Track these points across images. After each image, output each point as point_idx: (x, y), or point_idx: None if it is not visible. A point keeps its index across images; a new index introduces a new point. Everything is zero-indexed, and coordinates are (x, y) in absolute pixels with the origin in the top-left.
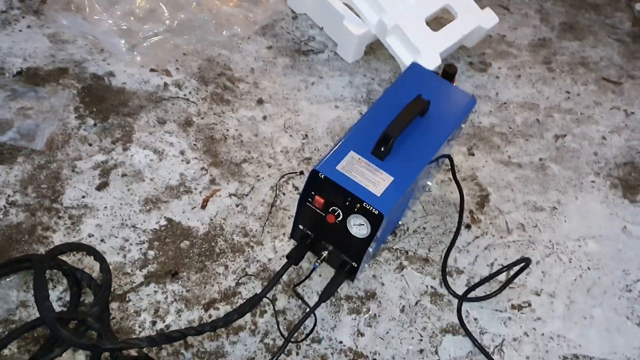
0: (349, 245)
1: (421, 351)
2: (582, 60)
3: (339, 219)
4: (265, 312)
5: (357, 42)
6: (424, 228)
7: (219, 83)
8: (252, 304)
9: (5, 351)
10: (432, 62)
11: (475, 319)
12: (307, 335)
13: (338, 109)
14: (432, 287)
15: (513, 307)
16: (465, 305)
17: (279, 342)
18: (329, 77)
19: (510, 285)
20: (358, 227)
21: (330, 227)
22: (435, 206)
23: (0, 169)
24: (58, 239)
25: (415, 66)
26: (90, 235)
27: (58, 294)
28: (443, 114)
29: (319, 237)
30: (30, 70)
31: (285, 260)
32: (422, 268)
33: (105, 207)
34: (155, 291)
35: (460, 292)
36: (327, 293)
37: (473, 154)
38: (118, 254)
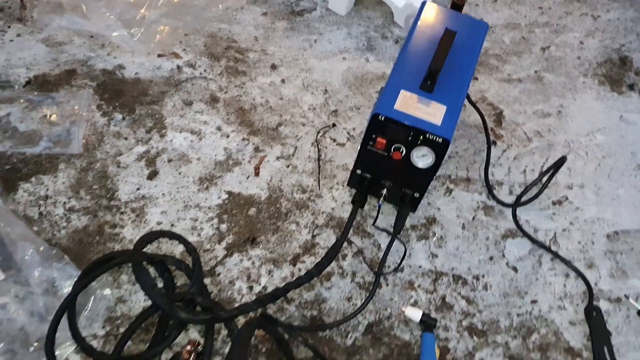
0: (414, 178)
1: (491, 258)
2: None
3: (403, 154)
4: (346, 255)
5: None
6: (457, 152)
7: (229, 56)
8: (336, 249)
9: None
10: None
11: (527, 221)
12: (397, 266)
13: (346, 60)
14: (481, 202)
15: (554, 203)
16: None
17: (368, 279)
18: (328, 32)
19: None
20: (421, 158)
21: (393, 165)
22: (460, 131)
23: (47, 180)
24: (128, 233)
25: (426, 4)
26: (159, 223)
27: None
28: (466, 42)
29: (378, 178)
30: (38, 78)
31: (350, 206)
32: (467, 187)
33: (163, 194)
34: (241, 260)
35: (506, 200)
36: (399, 226)
37: (477, 78)
38: (192, 234)
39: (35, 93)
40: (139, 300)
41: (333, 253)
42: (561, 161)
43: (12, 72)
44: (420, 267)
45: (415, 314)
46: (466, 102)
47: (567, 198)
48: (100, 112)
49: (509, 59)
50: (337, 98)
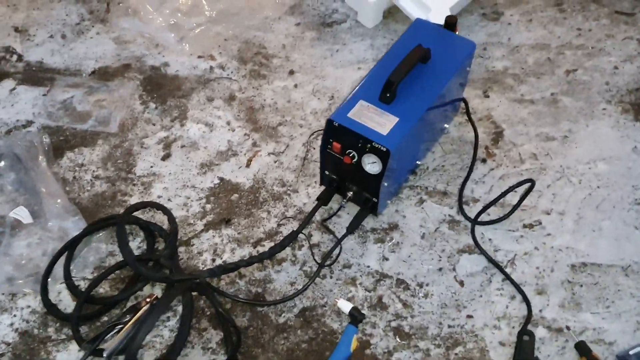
0: (367, 182)
1: (440, 269)
2: None
3: (355, 160)
4: (303, 246)
5: (373, 7)
6: (443, 166)
7: (256, 61)
8: (291, 238)
9: (100, 290)
10: (443, 17)
11: (490, 239)
12: (335, 259)
13: (360, 70)
14: (449, 215)
15: (525, 226)
16: (481, 229)
17: (315, 269)
18: (352, 43)
19: (522, 208)
20: (371, 165)
21: (348, 169)
22: (453, 146)
23: (86, 151)
24: (133, 200)
25: (418, 21)
26: (159, 197)
27: (137, 244)
28: (444, 60)
29: (343, 180)
30: (102, 69)
31: (316, 202)
32: (441, 200)
33: (170, 173)
34: (213, 236)
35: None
36: (352, 225)
37: (488, 96)
38: (182, 209)
39: (96, 81)
40: None
41: (287, 241)
42: (528, 183)
43: (85, 63)
44: (368, 267)
45: (346, 306)
46: (466, 118)
47: (540, 222)
48: (140, 101)
49: (527, 79)
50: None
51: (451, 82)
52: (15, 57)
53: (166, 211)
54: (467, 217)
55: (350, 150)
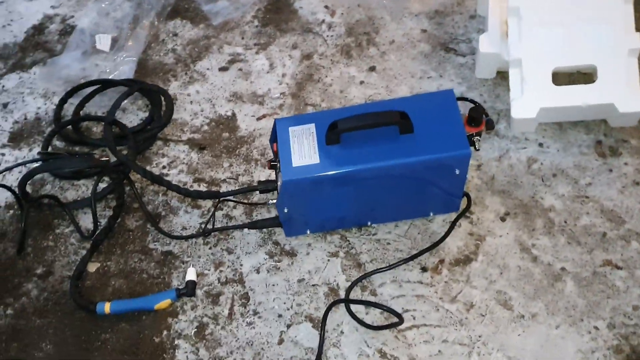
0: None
1: (288, 325)
2: None
3: (275, 170)
4: (223, 208)
5: (482, 58)
6: (388, 243)
7: (359, 39)
8: (211, 196)
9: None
10: (524, 111)
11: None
12: (223, 237)
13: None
14: (337, 285)
15: None
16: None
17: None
18: (447, 80)
19: None
20: (279, 182)
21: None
22: (419, 234)
23: (189, 27)
24: (174, 85)
25: (448, 92)
26: (188, 94)
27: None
28: (426, 144)
29: None
30: None
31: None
32: (349, 268)
33: (212, 83)
34: (183, 151)
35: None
36: (257, 224)
37: (504, 220)
38: (189, 114)
39: None
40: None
41: (207, 195)
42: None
43: None
44: (241, 265)
45: (189, 275)
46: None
47: None
48: (253, 14)
49: (558, 235)
50: None
51: (417, 167)
52: None
53: (169, 105)
54: (346, 299)
55: (274, 161)
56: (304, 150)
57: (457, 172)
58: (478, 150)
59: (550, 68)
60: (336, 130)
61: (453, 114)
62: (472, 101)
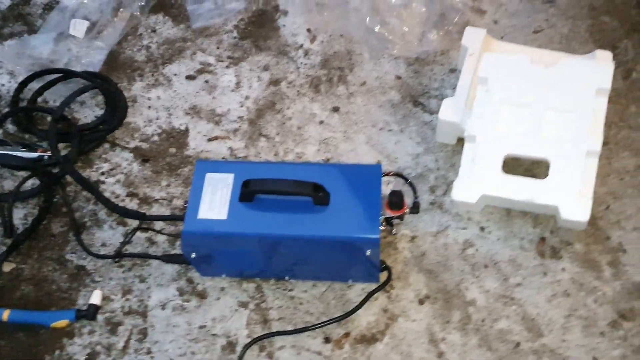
0: None
1: None
2: None
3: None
4: (148, 230)
5: (440, 124)
6: (301, 303)
7: (331, 74)
8: (136, 216)
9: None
10: (465, 195)
11: None
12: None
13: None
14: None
15: None
16: None
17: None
18: (407, 137)
19: None
20: None
21: None
22: (333, 301)
23: (169, 25)
24: (138, 85)
25: (376, 168)
26: (148, 99)
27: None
28: (338, 221)
29: None
30: None
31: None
32: (254, 322)
33: (175, 91)
34: (126, 160)
35: None
36: (172, 258)
37: (422, 303)
38: (143, 120)
39: None
40: None
41: (131, 215)
42: None
43: None
44: (149, 297)
45: (94, 299)
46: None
47: None
48: (235, 23)
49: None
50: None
51: (325, 243)
52: None
53: (124, 108)
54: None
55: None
56: (215, 202)
57: (368, 252)
58: (395, 234)
59: (503, 153)
60: (249, 190)
61: (374, 192)
62: (404, 178)
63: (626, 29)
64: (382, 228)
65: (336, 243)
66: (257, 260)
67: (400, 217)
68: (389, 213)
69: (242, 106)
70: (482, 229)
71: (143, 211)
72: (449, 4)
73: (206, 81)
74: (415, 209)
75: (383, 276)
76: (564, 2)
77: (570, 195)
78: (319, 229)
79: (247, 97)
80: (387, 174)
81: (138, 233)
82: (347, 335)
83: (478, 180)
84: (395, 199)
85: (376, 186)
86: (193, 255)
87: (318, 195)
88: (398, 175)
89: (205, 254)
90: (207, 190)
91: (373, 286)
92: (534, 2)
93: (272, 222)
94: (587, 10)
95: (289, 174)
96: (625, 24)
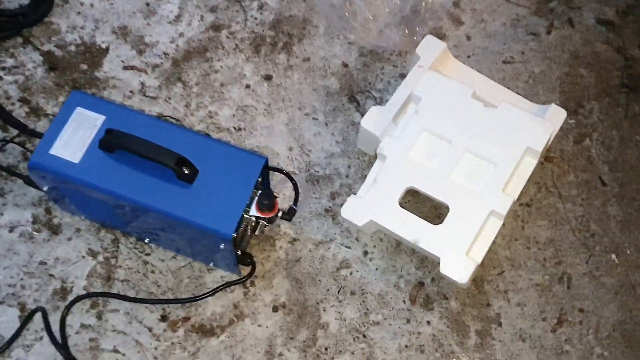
0: None
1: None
2: None
3: None
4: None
5: (361, 131)
6: (153, 272)
7: (277, 39)
8: None
9: None
10: (353, 215)
11: None
12: None
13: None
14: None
15: None
16: None
17: None
18: (329, 133)
19: None
20: None
21: None
22: (187, 279)
23: None
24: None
25: (259, 161)
26: (81, 3)
27: None
28: (195, 204)
29: None
30: None
31: None
32: (96, 276)
33: (112, 4)
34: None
35: None
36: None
37: (276, 310)
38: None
39: None
40: None
41: None
42: None
43: None
44: None
45: None
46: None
47: None
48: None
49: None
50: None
51: (176, 222)
52: None
53: (44, 2)
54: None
55: None
56: (73, 141)
57: (222, 246)
58: (257, 236)
59: (405, 185)
60: (110, 140)
61: (245, 187)
62: (290, 178)
63: (599, 90)
64: (246, 225)
65: (188, 226)
66: (110, 214)
67: (269, 221)
68: (256, 212)
69: (172, 42)
70: (365, 253)
71: (29, 123)
72: (428, 3)
73: (147, 4)
74: (288, 215)
75: (248, 270)
76: (550, 39)
77: (456, 252)
78: (171, 206)
79: (181, 34)
80: (279, 170)
81: (14, 144)
82: (186, 319)
83: (370, 205)
84: (265, 200)
85: (251, 179)
86: (45, 188)
87: (181, 170)
88: (286, 175)
89: (58, 192)
90: (71, 125)
91: (234, 277)
92: (518, 28)
93: (123, 181)
94: (568, 56)
95: (164, 138)
96: (601, 83)
